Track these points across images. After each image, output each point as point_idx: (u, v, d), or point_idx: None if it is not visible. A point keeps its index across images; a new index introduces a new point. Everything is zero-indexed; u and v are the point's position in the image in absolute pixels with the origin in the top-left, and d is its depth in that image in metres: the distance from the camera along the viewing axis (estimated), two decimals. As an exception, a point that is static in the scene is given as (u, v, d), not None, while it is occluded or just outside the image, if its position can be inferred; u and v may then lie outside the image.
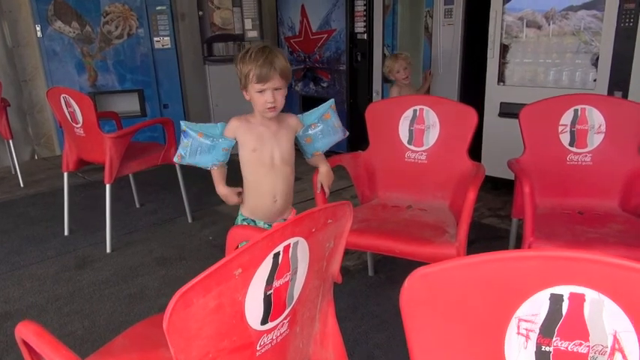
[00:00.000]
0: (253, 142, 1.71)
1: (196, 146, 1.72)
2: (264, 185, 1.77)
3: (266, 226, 1.82)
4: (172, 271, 2.66)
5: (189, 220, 3.27)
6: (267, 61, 1.57)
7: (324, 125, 1.84)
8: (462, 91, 3.71)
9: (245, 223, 1.82)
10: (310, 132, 1.83)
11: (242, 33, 4.73)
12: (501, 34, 3.33)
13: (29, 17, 4.47)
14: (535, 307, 0.77)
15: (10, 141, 4.09)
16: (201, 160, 1.75)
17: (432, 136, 2.24)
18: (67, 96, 2.76)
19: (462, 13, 3.59)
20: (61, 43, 4.32)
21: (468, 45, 3.68)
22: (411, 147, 2.28)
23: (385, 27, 4.03)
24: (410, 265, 2.66)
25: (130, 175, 3.42)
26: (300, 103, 4.71)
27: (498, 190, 3.49)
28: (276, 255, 0.95)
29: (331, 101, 1.89)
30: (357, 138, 4.23)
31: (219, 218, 3.31)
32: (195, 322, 0.85)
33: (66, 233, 3.12)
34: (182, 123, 1.75)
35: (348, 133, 1.95)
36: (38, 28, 4.25)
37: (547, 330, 0.77)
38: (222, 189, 1.81)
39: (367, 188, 2.33)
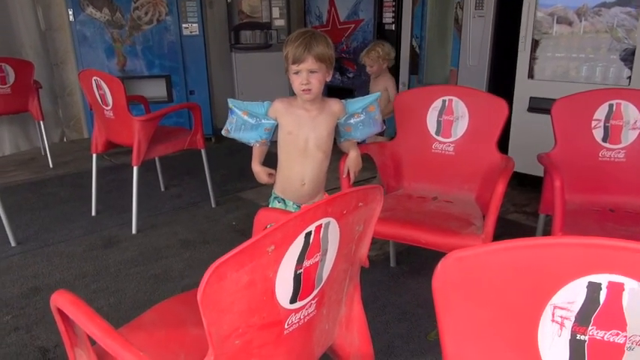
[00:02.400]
0: (290, 124, 1.75)
1: (240, 123, 1.80)
2: (295, 168, 1.80)
3: (295, 206, 1.85)
4: (196, 254, 2.70)
5: (213, 205, 3.31)
6: (304, 43, 1.61)
7: (366, 116, 1.86)
8: (490, 84, 3.64)
9: (276, 200, 1.87)
10: (352, 121, 1.86)
11: (269, 21, 4.73)
12: (533, 28, 3.27)
13: (62, 1, 4.54)
14: (571, 295, 0.76)
15: (41, 122, 4.19)
16: (245, 137, 1.84)
17: (460, 128, 2.22)
18: (98, 78, 2.80)
19: (494, 6, 3.52)
20: (92, 27, 4.38)
21: (498, 38, 3.61)
22: (439, 138, 2.26)
23: (414, 18, 3.98)
24: (432, 257, 2.66)
25: (156, 159, 3.47)
26: (325, 93, 4.69)
27: (524, 187, 3.43)
28: (308, 234, 0.95)
29: (378, 94, 1.92)
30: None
31: (243, 204, 3.34)
32: (227, 296, 0.86)
33: (93, 214, 3.19)
34: (229, 101, 1.82)
35: (385, 127, 1.97)
36: (70, 13, 4.32)
37: (583, 318, 0.76)
38: (255, 166, 1.89)
39: (393, 178, 2.32)
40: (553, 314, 0.78)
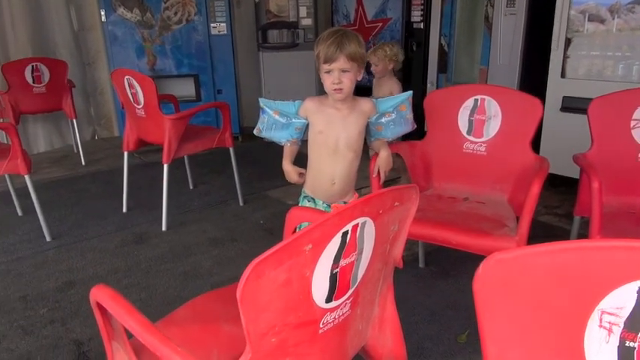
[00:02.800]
0: (321, 124, 1.75)
1: (271, 123, 1.81)
2: (325, 167, 1.80)
3: (325, 206, 1.85)
4: (224, 251, 2.72)
5: (241, 204, 3.34)
6: (336, 42, 1.60)
7: (397, 115, 1.85)
8: (521, 83, 3.58)
9: (306, 200, 1.87)
10: (383, 120, 1.85)
11: (297, 20, 4.74)
12: (567, 26, 3.19)
13: (94, 2, 4.65)
14: (621, 300, 0.74)
15: (74, 120, 4.30)
16: (276, 136, 1.84)
17: (492, 127, 2.18)
18: (130, 77, 2.85)
19: (526, 3, 3.46)
20: (123, 27, 4.47)
21: (530, 36, 3.54)
22: (470, 137, 2.22)
23: (443, 16, 3.94)
24: (462, 258, 2.61)
25: (185, 157, 3.52)
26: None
27: (556, 188, 3.36)
28: (345, 234, 0.95)
29: (409, 93, 1.90)
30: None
31: (270, 203, 3.36)
32: (265, 294, 0.86)
33: (124, 210, 3.25)
34: (260, 100, 1.83)
35: (415, 126, 1.95)
36: (103, 13, 4.42)
37: (633, 324, 0.74)
38: (286, 165, 1.88)
39: (422, 178, 2.30)
40: (601, 319, 0.75)
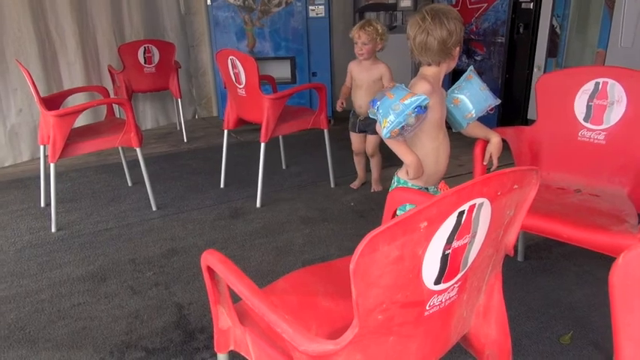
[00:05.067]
0: (438, 105, 1.69)
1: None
2: (444, 148, 1.76)
3: (434, 190, 1.80)
4: (315, 231, 2.75)
5: (332, 185, 3.35)
6: None
7: (467, 84, 1.78)
8: (645, 69, 3.22)
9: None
10: (457, 94, 1.79)
11: (395, 2, 4.63)
12: None
13: (201, -13, 4.86)
14: None
15: (179, 100, 4.55)
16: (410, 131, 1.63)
17: (615, 114, 1.98)
18: (234, 58, 2.95)
19: (657, -22, 3.10)
20: (226, 11, 4.62)
21: (659, 16, 3.17)
22: (587, 125, 2.04)
23: (557, -5, 3.64)
24: (565, 254, 2.42)
25: (280, 138, 3.59)
26: (450, 76, 4.49)
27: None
28: (461, 213, 0.90)
29: (470, 67, 1.84)
30: (509, 115, 3.95)
31: (361, 186, 3.34)
32: (377, 269, 0.84)
33: (222, 186, 3.40)
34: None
35: (500, 101, 1.84)
36: (209, -3, 4.60)
37: None
38: (414, 157, 1.69)
39: (530, 166, 2.15)
40: None
